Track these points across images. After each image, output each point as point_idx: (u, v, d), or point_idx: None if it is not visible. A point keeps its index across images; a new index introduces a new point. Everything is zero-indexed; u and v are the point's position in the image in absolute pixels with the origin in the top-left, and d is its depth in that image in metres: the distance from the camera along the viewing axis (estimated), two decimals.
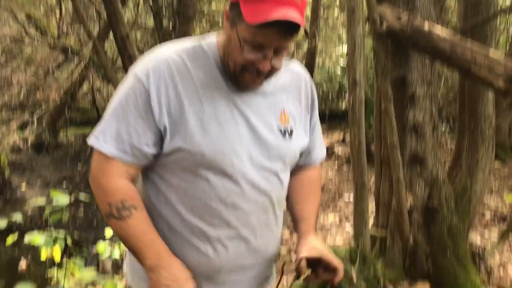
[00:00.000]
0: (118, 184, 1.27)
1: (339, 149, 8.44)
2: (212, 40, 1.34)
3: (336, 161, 7.95)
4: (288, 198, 1.50)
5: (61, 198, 2.55)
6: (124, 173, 1.28)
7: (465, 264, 3.20)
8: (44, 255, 2.94)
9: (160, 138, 1.27)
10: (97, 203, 1.30)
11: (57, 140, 9.27)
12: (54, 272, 3.10)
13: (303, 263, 1.33)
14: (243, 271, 1.40)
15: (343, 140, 8.90)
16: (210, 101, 1.27)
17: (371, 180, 4.37)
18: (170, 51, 1.30)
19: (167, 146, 1.26)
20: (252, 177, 1.31)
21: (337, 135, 9.46)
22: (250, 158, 1.30)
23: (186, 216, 1.31)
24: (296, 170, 1.50)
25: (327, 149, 8.03)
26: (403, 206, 3.15)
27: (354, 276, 2.93)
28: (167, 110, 1.24)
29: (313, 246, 1.38)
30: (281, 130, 1.36)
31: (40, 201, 2.61)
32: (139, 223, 1.27)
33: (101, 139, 1.26)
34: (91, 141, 1.28)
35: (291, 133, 1.38)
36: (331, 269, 1.35)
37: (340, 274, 1.35)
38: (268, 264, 1.47)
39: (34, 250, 3.52)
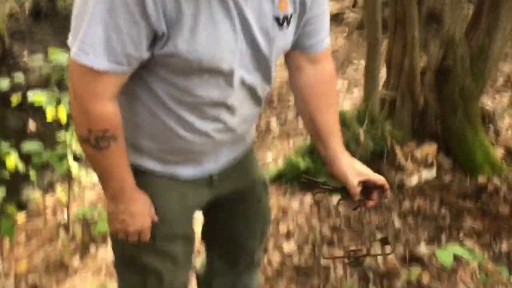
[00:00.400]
0: (106, 109, 1.14)
1: (349, 15, 8.07)
2: None
3: (346, 28, 7.65)
4: (305, 105, 1.38)
5: (60, 56, 2.45)
6: (114, 89, 1.13)
7: (475, 125, 3.17)
8: (49, 116, 2.93)
9: (153, 42, 1.09)
10: (74, 123, 1.18)
11: (55, 7, 8.90)
12: (62, 134, 3.11)
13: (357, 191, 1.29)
14: (223, 151, 1.39)
15: (354, 6, 8.47)
16: None
17: (383, 44, 4.20)
18: None
19: (160, 50, 1.10)
20: (244, 76, 1.22)
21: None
22: (243, 58, 1.19)
23: (173, 107, 1.22)
24: (305, 65, 1.35)
25: (337, 15, 7.71)
26: (416, 66, 3.04)
27: (361, 135, 2.92)
28: (163, 12, 1.04)
29: (358, 169, 1.32)
30: (277, 19, 1.19)
31: (39, 58, 2.51)
32: (113, 156, 1.19)
33: (90, 52, 1.05)
34: (77, 55, 1.07)
35: (289, 21, 1.22)
36: (379, 187, 1.31)
37: (388, 189, 1.33)
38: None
39: (41, 114, 3.50)
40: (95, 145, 1.16)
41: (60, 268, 2.64)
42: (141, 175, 1.30)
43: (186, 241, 1.46)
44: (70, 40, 1.11)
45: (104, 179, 1.24)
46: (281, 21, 1.20)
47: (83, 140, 1.17)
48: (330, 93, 1.39)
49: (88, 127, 1.14)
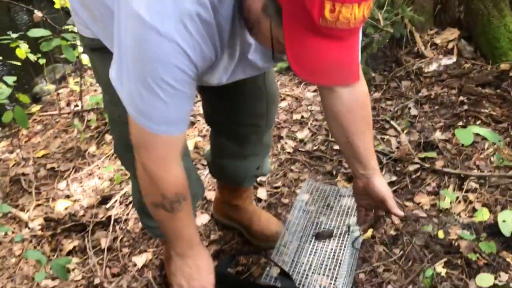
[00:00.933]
0: (173, 174, 1.17)
1: None
2: None
3: None
4: (342, 130, 1.36)
5: None
6: (180, 146, 1.16)
7: (501, 9, 2.99)
8: (57, 3, 2.83)
9: None
10: (143, 190, 1.21)
11: None
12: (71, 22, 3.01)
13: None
14: None
15: None
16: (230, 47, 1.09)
17: None
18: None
19: None
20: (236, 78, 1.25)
21: None
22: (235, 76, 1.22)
23: None
24: (339, 88, 1.27)
25: None
26: None
27: (381, 20, 2.78)
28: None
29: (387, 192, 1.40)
30: None
31: None
32: (184, 216, 1.25)
33: (151, 124, 1.08)
34: (140, 121, 1.08)
35: None
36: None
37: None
38: None
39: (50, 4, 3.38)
40: (169, 209, 1.20)
41: (77, 155, 2.68)
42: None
43: None
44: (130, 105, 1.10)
45: (174, 238, 1.30)
46: None
47: (155, 206, 1.21)
48: (366, 115, 1.38)
49: (161, 192, 1.18)
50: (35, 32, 2.47)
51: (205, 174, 2.40)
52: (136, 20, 0.95)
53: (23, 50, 3.03)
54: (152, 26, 0.94)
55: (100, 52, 1.30)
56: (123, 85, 1.07)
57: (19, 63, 3.17)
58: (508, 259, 1.83)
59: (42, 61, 3.08)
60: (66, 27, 3.03)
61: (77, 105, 3.20)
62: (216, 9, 0.98)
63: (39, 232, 2.14)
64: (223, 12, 1.00)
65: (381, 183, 1.39)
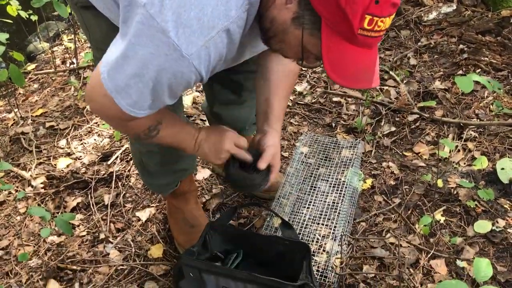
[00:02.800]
0: (139, 122, 1.18)
1: None
2: None
3: None
4: (267, 87, 1.47)
5: None
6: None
7: None
8: None
9: None
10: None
11: None
12: None
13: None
14: None
15: None
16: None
17: None
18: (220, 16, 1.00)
19: None
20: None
21: None
22: None
23: None
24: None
25: None
26: None
27: None
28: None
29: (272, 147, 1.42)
30: None
31: None
32: (167, 132, 1.28)
33: (139, 110, 1.11)
34: (126, 108, 1.09)
35: None
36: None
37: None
38: None
39: None
40: (147, 137, 1.26)
41: (75, 112, 2.67)
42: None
43: None
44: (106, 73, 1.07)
45: (177, 146, 1.37)
46: None
47: (136, 140, 1.33)
48: (290, 86, 1.54)
49: (133, 132, 1.27)
50: None
51: None
52: (162, 36, 0.98)
53: (14, 7, 2.96)
54: (176, 47, 0.98)
55: (93, 10, 1.28)
56: (117, 69, 1.06)
57: (10, 21, 3.11)
58: (506, 206, 1.86)
59: (34, 18, 3.02)
60: None
61: (72, 63, 3.15)
62: (244, 29, 1.06)
63: (42, 190, 2.16)
64: (247, 28, 1.07)
65: (272, 139, 1.44)
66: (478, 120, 2.26)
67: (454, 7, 2.98)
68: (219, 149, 1.36)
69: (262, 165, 1.38)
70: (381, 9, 0.92)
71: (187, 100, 2.60)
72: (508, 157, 2.04)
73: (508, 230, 1.77)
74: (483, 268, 1.24)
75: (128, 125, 1.19)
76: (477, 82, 2.15)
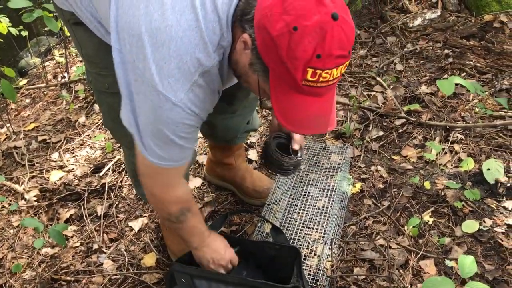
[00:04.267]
0: (176, 194, 1.34)
1: None
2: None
3: None
4: None
5: None
6: (184, 169, 1.32)
7: None
8: None
9: None
10: (153, 207, 1.48)
11: None
12: None
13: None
14: None
15: None
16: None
17: None
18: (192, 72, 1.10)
19: None
20: None
21: None
22: None
23: None
24: None
25: None
26: None
27: None
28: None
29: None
30: None
31: None
32: (191, 223, 1.42)
33: (161, 161, 1.22)
34: (152, 158, 1.21)
35: None
36: None
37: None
38: None
39: None
40: (176, 222, 1.38)
41: (67, 125, 2.69)
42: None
43: None
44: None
45: (187, 239, 1.47)
46: None
47: (165, 219, 1.45)
48: None
49: (167, 211, 1.37)
50: (16, 3, 2.44)
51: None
52: (152, 89, 1.07)
53: (4, 25, 2.99)
54: (167, 97, 1.07)
55: (85, 26, 1.31)
56: (133, 129, 1.19)
57: (0, 40, 3.14)
58: (492, 205, 1.89)
59: (24, 33, 3.05)
60: None
61: (64, 77, 3.18)
62: (221, 65, 1.13)
63: (35, 203, 2.18)
64: (224, 63, 1.14)
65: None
66: (464, 122, 2.30)
67: (439, 13, 3.03)
68: (222, 257, 1.49)
69: (296, 146, 1.52)
70: (324, 62, 0.96)
71: None
72: (494, 158, 2.07)
73: (495, 229, 1.80)
74: (468, 265, 1.27)
75: (165, 200, 1.34)
76: (463, 86, 2.19)
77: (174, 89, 1.07)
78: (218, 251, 1.49)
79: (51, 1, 1.47)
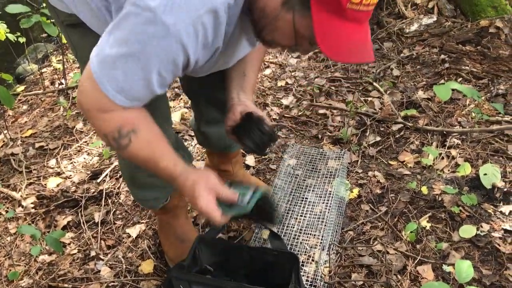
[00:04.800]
0: (115, 113, 1.12)
1: None
2: None
3: None
4: (244, 61, 1.50)
5: None
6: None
7: None
8: None
9: None
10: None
11: None
12: None
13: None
14: None
15: None
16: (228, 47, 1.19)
17: None
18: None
19: None
20: None
21: None
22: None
23: None
24: None
25: None
26: None
27: None
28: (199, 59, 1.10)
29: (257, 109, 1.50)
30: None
31: None
32: (141, 144, 1.17)
33: (123, 96, 1.08)
34: (107, 91, 1.06)
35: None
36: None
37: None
38: None
39: None
40: (117, 146, 1.16)
41: (65, 132, 2.69)
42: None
43: None
44: (96, 58, 1.07)
45: (153, 164, 1.22)
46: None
47: (107, 145, 1.23)
48: (260, 59, 1.61)
49: (102, 132, 1.15)
50: (13, 8, 2.44)
51: (193, 145, 2.43)
52: (148, 15, 0.98)
53: (2, 31, 3.00)
54: (164, 22, 0.97)
55: (80, 28, 1.29)
56: (104, 52, 1.06)
57: None
58: (489, 210, 1.90)
59: (22, 40, 3.06)
60: (44, 4, 2.99)
61: (61, 83, 3.18)
62: (228, 14, 1.05)
63: (33, 210, 2.17)
64: (232, 16, 1.08)
65: (254, 105, 1.52)
66: (461, 127, 2.31)
67: (435, 19, 3.05)
68: (213, 183, 1.26)
69: (269, 122, 1.48)
70: None
71: (175, 116, 2.64)
72: (491, 162, 2.08)
73: (492, 234, 1.80)
74: (465, 269, 1.27)
75: (102, 119, 1.13)
76: (459, 91, 2.20)
77: (174, 17, 0.98)
78: (207, 178, 1.26)
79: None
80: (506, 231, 1.81)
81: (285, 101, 2.69)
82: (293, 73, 2.96)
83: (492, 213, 1.89)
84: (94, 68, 1.06)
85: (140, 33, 1.00)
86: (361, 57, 1.08)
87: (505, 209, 1.89)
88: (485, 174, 1.99)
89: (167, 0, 0.97)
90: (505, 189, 1.96)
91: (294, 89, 2.79)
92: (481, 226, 1.84)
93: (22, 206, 2.20)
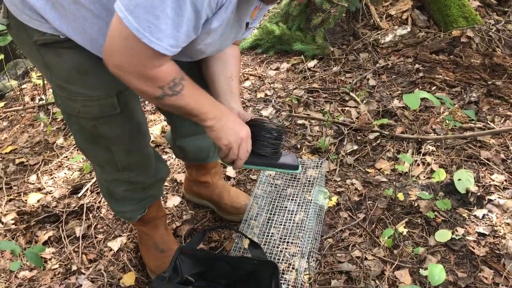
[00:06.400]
0: (166, 67, 1.17)
1: None
2: None
3: None
4: (227, 66, 1.53)
5: None
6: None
7: None
8: None
9: None
10: (137, 90, 1.19)
11: None
12: None
13: None
14: None
15: None
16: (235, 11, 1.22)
17: None
18: None
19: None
20: None
21: None
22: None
23: None
24: None
25: None
26: None
27: None
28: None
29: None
30: (247, 23, 1.37)
31: None
32: (191, 89, 1.26)
33: (164, 41, 1.08)
34: (150, 41, 1.06)
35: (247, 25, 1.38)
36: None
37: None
38: None
39: None
40: (173, 93, 1.21)
41: (45, 147, 2.69)
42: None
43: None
44: (128, 14, 1.04)
45: (200, 112, 1.30)
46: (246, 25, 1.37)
47: (161, 98, 1.21)
48: (239, 65, 1.63)
49: (157, 85, 1.18)
50: None
51: (173, 157, 2.45)
52: None
53: None
54: None
55: (54, 47, 1.26)
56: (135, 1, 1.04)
57: None
58: (464, 215, 1.95)
59: (0, 57, 3.06)
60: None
61: (41, 99, 3.19)
62: None
63: (13, 226, 2.17)
64: None
65: (244, 111, 1.54)
66: (435, 134, 2.37)
67: (409, 29, 3.13)
68: (240, 129, 1.37)
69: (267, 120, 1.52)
70: None
71: (155, 130, 2.66)
72: (464, 168, 2.14)
73: (467, 237, 1.85)
74: (437, 273, 1.31)
75: (152, 76, 1.16)
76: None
77: None
78: (238, 122, 1.39)
79: (6, 21, 1.34)
80: (480, 234, 1.86)
81: (264, 112, 2.73)
82: (272, 85, 3.00)
83: (467, 217, 1.94)
84: (128, 22, 1.04)
85: None
86: None
87: (479, 213, 1.94)
88: (459, 180, 2.04)
89: None
90: (479, 194, 2.01)
91: (273, 100, 2.83)
92: (456, 230, 1.89)
93: (2, 223, 2.20)
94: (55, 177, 2.47)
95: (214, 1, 1.09)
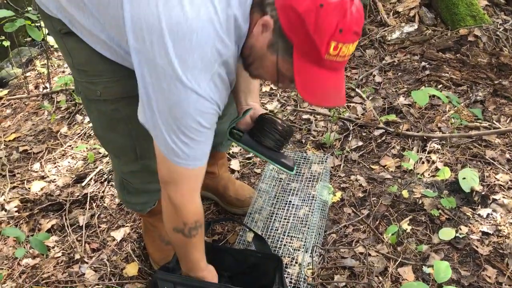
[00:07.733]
0: (196, 203, 1.32)
1: None
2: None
3: None
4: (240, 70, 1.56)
5: None
6: (203, 173, 1.31)
7: None
8: None
9: None
10: (165, 216, 1.35)
11: None
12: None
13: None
14: None
15: None
16: None
17: None
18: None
19: None
20: None
21: None
22: None
23: None
24: None
25: None
26: None
27: None
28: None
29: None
30: None
31: None
32: (197, 242, 1.38)
33: (188, 162, 1.23)
34: (179, 160, 1.22)
35: None
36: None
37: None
38: None
39: None
40: (188, 235, 1.34)
41: (49, 136, 2.69)
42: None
43: None
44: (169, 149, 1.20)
45: (184, 258, 1.44)
46: None
47: (176, 231, 1.34)
48: None
49: (183, 220, 1.32)
50: None
51: None
52: (176, 84, 1.10)
53: None
54: (192, 89, 1.11)
55: (75, 35, 1.30)
56: (157, 132, 1.20)
57: None
58: (468, 213, 1.95)
59: (6, 43, 3.05)
60: (29, 8, 2.99)
61: (45, 87, 3.18)
62: (236, 58, 1.19)
63: (16, 214, 2.17)
64: (236, 57, 1.21)
65: (262, 108, 1.65)
66: (441, 133, 2.37)
67: (416, 27, 3.12)
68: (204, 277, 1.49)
69: (281, 120, 1.59)
70: (345, 36, 1.07)
71: None
72: (469, 167, 2.14)
73: (471, 236, 1.85)
74: (443, 270, 1.31)
75: (186, 209, 1.30)
76: (439, 97, 2.26)
77: (198, 81, 1.11)
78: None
79: (37, 12, 1.45)
80: (483, 233, 1.86)
81: (270, 106, 2.73)
82: None
83: (471, 216, 1.94)
84: (177, 161, 1.22)
85: (183, 110, 1.14)
86: (333, 102, 1.21)
87: (483, 212, 1.94)
88: (464, 178, 2.04)
89: (186, 66, 1.10)
90: (483, 193, 2.01)
91: (278, 94, 2.83)
92: (460, 229, 1.89)
93: (6, 210, 2.20)
94: (59, 166, 2.47)
95: (222, 103, 1.21)
